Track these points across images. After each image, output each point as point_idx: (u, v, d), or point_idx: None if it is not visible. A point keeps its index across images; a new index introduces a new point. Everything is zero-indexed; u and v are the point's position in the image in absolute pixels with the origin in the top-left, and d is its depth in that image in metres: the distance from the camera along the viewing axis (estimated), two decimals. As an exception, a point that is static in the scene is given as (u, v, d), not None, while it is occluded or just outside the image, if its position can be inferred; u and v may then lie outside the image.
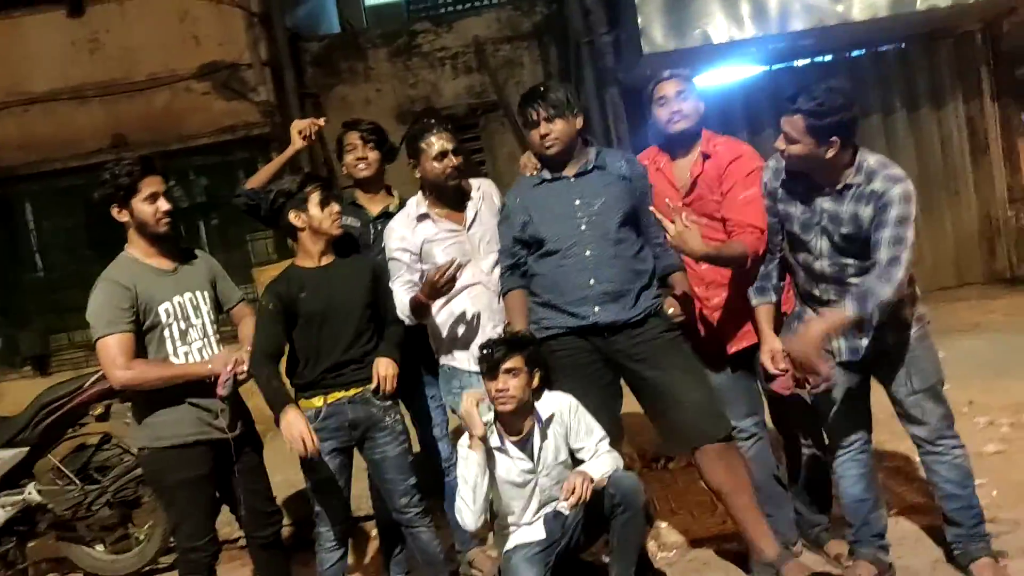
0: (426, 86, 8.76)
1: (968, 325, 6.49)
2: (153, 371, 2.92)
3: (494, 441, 2.98)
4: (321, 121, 3.70)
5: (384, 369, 3.06)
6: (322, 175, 3.45)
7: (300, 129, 3.61)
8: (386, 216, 3.50)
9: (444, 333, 3.30)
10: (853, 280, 2.82)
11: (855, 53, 8.10)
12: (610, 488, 2.89)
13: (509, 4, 9.16)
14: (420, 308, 3.11)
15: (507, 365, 2.89)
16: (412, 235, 3.25)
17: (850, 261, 2.83)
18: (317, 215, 3.05)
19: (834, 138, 2.70)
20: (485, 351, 2.93)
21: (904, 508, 3.54)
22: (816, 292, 2.94)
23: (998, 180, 8.28)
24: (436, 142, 3.21)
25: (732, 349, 3.17)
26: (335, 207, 3.08)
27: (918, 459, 3.06)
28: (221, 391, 2.93)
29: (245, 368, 2.96)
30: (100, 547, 4.30)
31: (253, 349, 3.01)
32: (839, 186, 2.79)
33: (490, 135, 8.78)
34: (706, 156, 3.12)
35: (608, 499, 2.88)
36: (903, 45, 8.13)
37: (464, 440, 2.96)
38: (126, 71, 7.81)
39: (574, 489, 2.77)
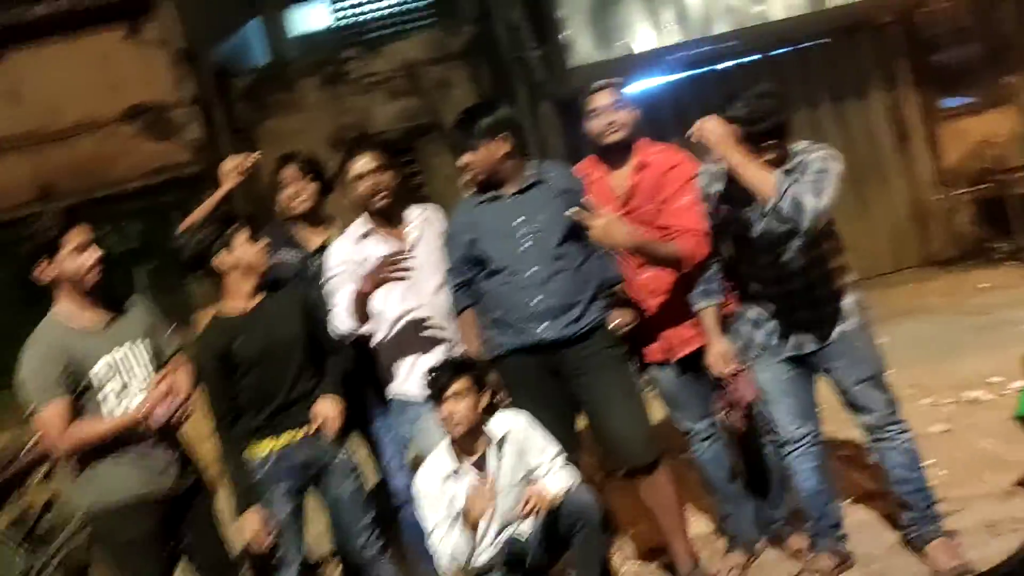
0: (359, 113, 8.71)
1: (906, 309, 6.66)
2: (90, 429, 2.82)
3: (450, 465, 2.95)
4: (255, 155, 3.64)
5: (326, 410, 3.00)
6: (251, 212, 3.37)
7: (233, 166, 3.54)
8: (326, 249, 3.45)
9: (391, 362, 3.26)
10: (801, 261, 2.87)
11: (778, 51, 8.29)
12: (567, 506, 2.88)
13: (437, 25, 9.18)
14: (360, 304, 3.02)
15: (452, 389, 2.88)
16: (355, 253, 3.21)
17: (798, 241, 2.84)
18: (247, 252, 2.98)
19: (768, 141, 2.76)
20: (430, 376, 2.93)
21: (859, 496, 3.60)
22: (772, 291, 2.97)
23: (923, 165, 8.54)
24: (356, 164, 3.21)
25: (679, 354, 3.19)
26: (262, 242, 3.02)
27: (867, 446, 3.12)
28: (157, 417, 2.79)
29: (180, 400, 2.86)
30: (51, 617, 4.15)
31: (215, 423, 2.95)
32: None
33: (427, 157, 8.76)
34: (642, 165, 3.15)
35: (566, 517, 2.88)
36: (824, 41, 8.34)
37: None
38: (49, 120, 7.63)
39: (529, 500, 2.77)
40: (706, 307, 3.03)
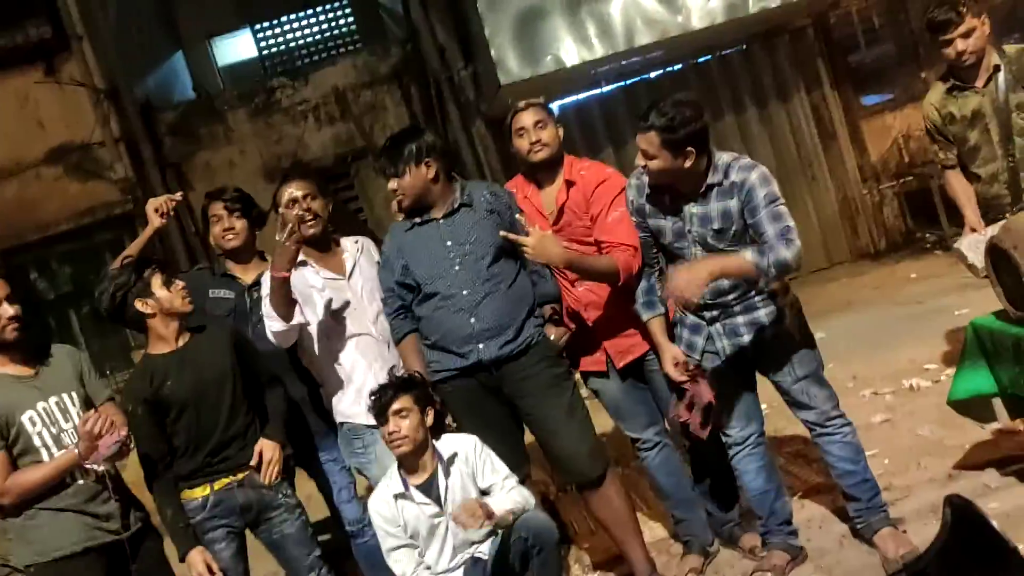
0: (291, 141, 8.66)
1: (842, 303, 6.83)
2: (32, 476, 2.73)
3: (397, 487, 2.93)
4: (177, 196, 3.57)
5: (268, 453, 2.96)
6: (159, 256, 3.29)
7: (156, 207, 3.47)
8: (261, 284, 3.40)
9: (337, 390, 3.23)
10: (724, 281, 2.91)
11: (701, 59, 8.47)
12: (521, 531, 2.88)
13: (363, 50, 9.18)
14: (278, 292, 2.96)
15: (395, 407, 2.86)
16: (292, 280, 3.15)
17: (725, 245, 2.88)
18: (165, 296, 2.89)
19: (689, 148, 2.79)
20: (373, 397, 2.92)
21: (807, 490, 3.66)
22: (706, 296, 3.01)
23: (849, 162, 8.81)
24: (285, 191, 3.19)
25: (620, 363, 3.20)
26: (179, 283, 2.94)
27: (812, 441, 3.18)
28: (103, 453, 2.68)
29: (123, 433, 2.75)
30: None
31: (144, 468, 2.87)
32: (702, 189, 2.89)
33: (363, 182, 8.74)
34: (570, 183, 3.16)
35: (521, 542, 2.87)
36: (744, 47, 8.56)
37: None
38: (-32, 165, 7.43)
39: (465, 512, 2.77)
40: (652, 318, 3.06)
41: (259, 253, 3.56)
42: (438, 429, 2.99)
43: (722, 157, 2.90)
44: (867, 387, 4.69)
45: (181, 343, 2.94)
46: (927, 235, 8.38)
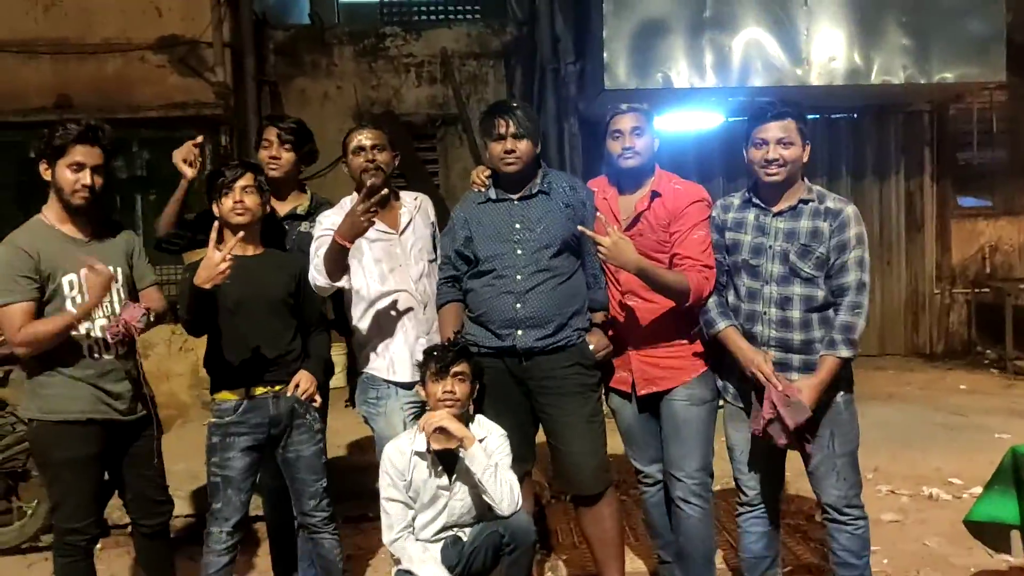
0: (388, 90, 8.73)
1: (884, 395, 6.67)
2: (44, 326, 2.78)
3: (420, 445, 2.93)
4: (198, 139, 3.39)
5: (305, 383, 3.04)
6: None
7: (184, 156, 3.29)
8: (293, 217, 3.41)
9: (366, 340, 3.23)
10: (795, 315, 2.87)
11: (810, 116, 8.30)
12: (500, 527, 2.87)
13: (480, 21, 9.19)
14: (336, 258, 2.96)
15: (457, 369, 2.88)
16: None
17: (797, 291, 2.85)
18: (225, 204, 2.97)
19: (808, 143, 2.87)
20: (436, 352, 2.92)
21: (797, 567, 3.58)
22: (754, 331, 2.94)
23: (929, 257, 8.59)
24: (355, 137, 3.19)
25: (641, 391, 3.13)
26: (233, 198, 2.96)
27: (818, 519, 3.09)
28: (137, 324, 2.82)
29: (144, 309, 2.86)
30: (-22, 516, 4.11)
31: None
32: (794, 203, 2.89)
33: (446, 147, 8.77)
34: (656, 194, 3.09)
35: (496, 536, 2.86)
36: (855, 115, 8.40)
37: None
38: (81, 32, 7.61)
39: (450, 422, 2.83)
40: (727, 327, 2.96)
41: (301, 185, 3.55)
42: (473, 408, 3.00)
43: (816, 185, 2.97)
44: (886, 483, 4.58)
45: (250, 252, 3.02)
46: (988, 351, 8.15)
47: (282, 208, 3.44)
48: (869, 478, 4.55)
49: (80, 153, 2.80)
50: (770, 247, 2.90)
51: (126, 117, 7.28)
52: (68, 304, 2.83)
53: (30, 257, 2.78)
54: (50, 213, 2.89)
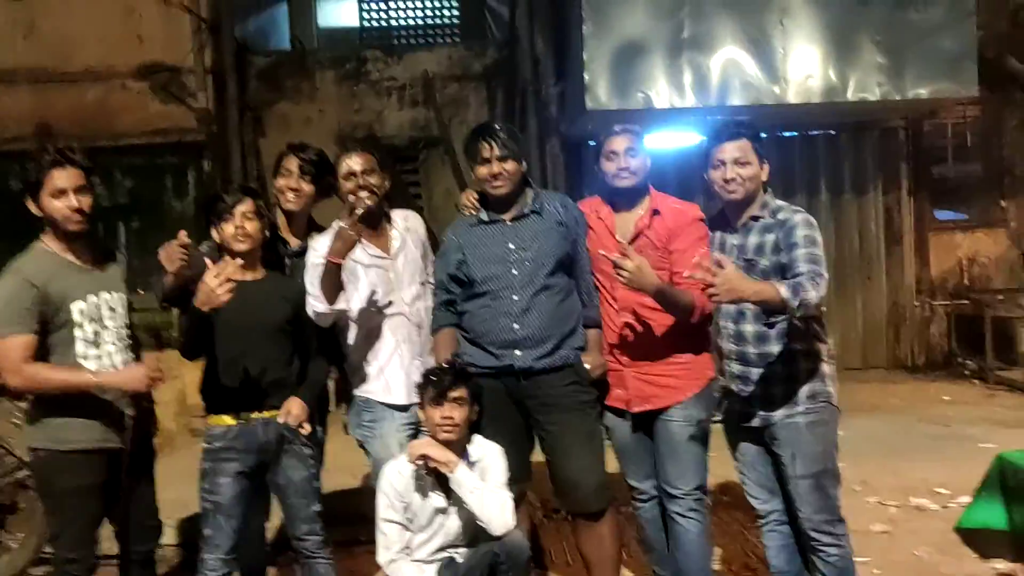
0: (370, 113, 8.78)
1: (868, 407, 6.73)
2: (46, 375, 2.77)
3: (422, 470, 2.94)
4: (185, 240, 3.02)
5: (296, 410, 2.99)
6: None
7: (167, 254, 3.01)
8: (304, 253, 3.30)
9: (360, 363, 3.25)
10: (748, 328, 2.93)
11: (787, 134, 8.45)
12: (495, 546, 2.88)
13: (461, 44, 9.29)
14: (328, 277, 2.98)
15: (455, 393, 2.88)
16: None
17: (749, 304, 2.85)
18: (226, 229, 2.97)
19: (765, 161, 2.93)
20: (433, 377, 2.92)
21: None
22: (721, 344, 3.04)
23: (908, 270, 8.70)
24: (345, 162, 3.18)
25: (635, 408, 3.17)
26: (234, 224, 2.95)
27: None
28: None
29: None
30: (-33, 551, 4.06)
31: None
32: (745, 220, 2.96)
33: (428, 170, 8.82)
34: (656, 212, 3.16)
35: (491, 555, 2.88)
36: (832, 132, 8.54)
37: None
38: (60, 60, 7.64)
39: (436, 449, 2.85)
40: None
41: (311, 221, 3.48)
42: (472, 428, 3.01)
43: (775, 200, 2.99)
44: (874, 495, 4.63)
45: (249, 276, 3.00)
46: (968, 362, 8.25)
47: (294, 241, 3.38)
48: (857, 490, 4.61)
49: (58, 178, 2.77)
50: None
51: (108, 145, 7.30)
52: (77, 332, 2.82)
53: (35, 288, 2.75)
54: (50, 241, 2.87)
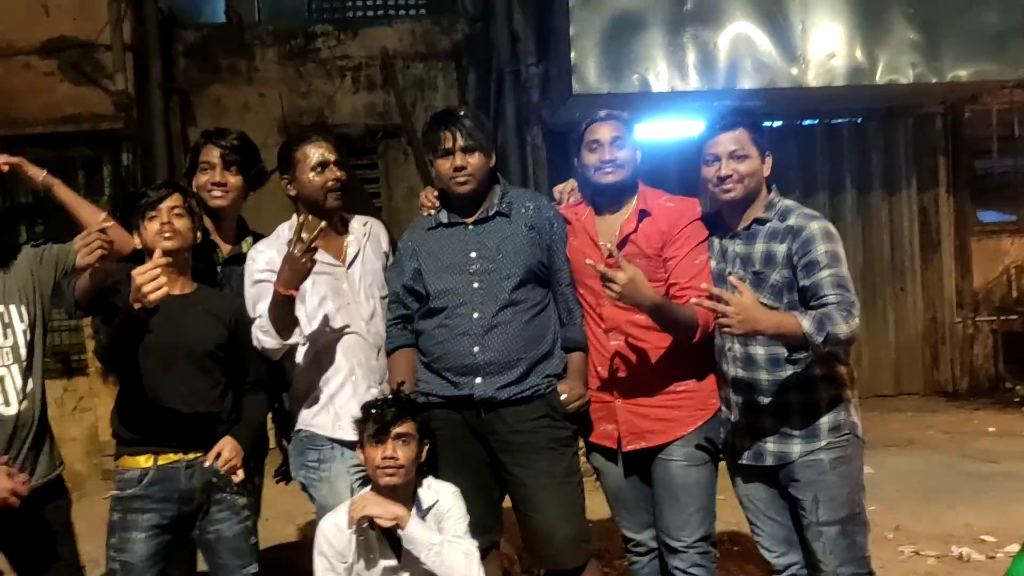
0: (320, 98, 8.76)
1: (902, 440, 6.77)
2: None
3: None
4: (107, 222, 2.93)
5: (227, 453, 2.93)
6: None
7: (84, 244, 2.84)
8: (238, 259, 3.31)
9: (306, 391, 3.18)
10: (759, 351, 2.89)
11: (807, 122, 8.52)
12: None
13: (426, 17, 9.28)
14: (280, 309, 2.93)
15: (400, 429, 2.83)
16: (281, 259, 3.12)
17: None
18: (149, 229, 2.91)
19: (768, 153, 2.91)
20: (373, 410, 2.87)
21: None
22: (723, 369, 3.01)
23: (947, 281, 8.76)
24: (315, 151, 3.14)
25: (627, 446, 3.13)
26: (160, 220, 2.89)
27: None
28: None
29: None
30: None
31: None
32: (748, 223, 2.93)
33: (388, 164, 8.81)
34: (644, 213, 3.12)
35: None
36: (859, 120, 8.62)
37: None
38: (-48, 35, 7.56)
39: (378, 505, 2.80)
40: None
41: (241, 220, 3.47)
42: (422, 470, 2.96)
43: (783, 200, 2.97)
44: (909, 543, 4.64)
45: (176, 291, 2.90)
46: (1018, 387, 8.32)
47: (225, 246, 3.35)
48: (890, 538, 4.62)
49: None
50: (729, 274, 2.92)
51: (6, 134, 7.20)
52: None
53: None
54: None
